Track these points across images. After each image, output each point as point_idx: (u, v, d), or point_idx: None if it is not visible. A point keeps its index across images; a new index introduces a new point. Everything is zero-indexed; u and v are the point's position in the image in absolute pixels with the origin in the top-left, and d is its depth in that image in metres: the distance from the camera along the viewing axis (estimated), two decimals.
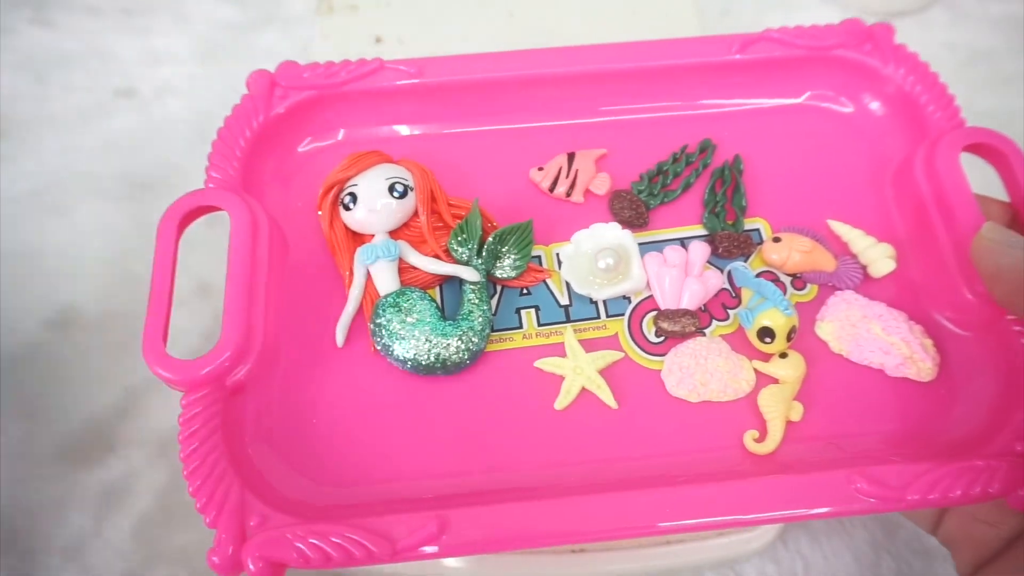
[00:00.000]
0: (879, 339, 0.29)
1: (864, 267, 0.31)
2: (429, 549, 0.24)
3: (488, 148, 0.34)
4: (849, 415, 0.29)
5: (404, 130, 0.34)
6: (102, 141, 0.49)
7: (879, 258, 0.31)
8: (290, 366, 0.29)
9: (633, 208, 0.32)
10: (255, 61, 0.51)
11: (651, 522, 0.25)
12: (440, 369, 0.28)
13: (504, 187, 0.33)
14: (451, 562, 0.34)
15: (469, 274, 0.30)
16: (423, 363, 0.28)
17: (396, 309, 0.29)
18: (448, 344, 0.28)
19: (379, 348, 0.29)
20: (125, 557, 0.38)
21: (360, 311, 0.30)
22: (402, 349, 0.28)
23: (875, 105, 0.34)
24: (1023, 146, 0.30)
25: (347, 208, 0.30)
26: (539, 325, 0.30)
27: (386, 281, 0.29)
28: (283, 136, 0.33)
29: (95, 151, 0.48)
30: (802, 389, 0.29)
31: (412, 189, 0.30)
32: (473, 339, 0.29)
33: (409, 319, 0.28)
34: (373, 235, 0.30)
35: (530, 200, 0.33)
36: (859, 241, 0.31)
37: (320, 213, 0.31)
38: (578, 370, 0.29)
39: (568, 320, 0.30)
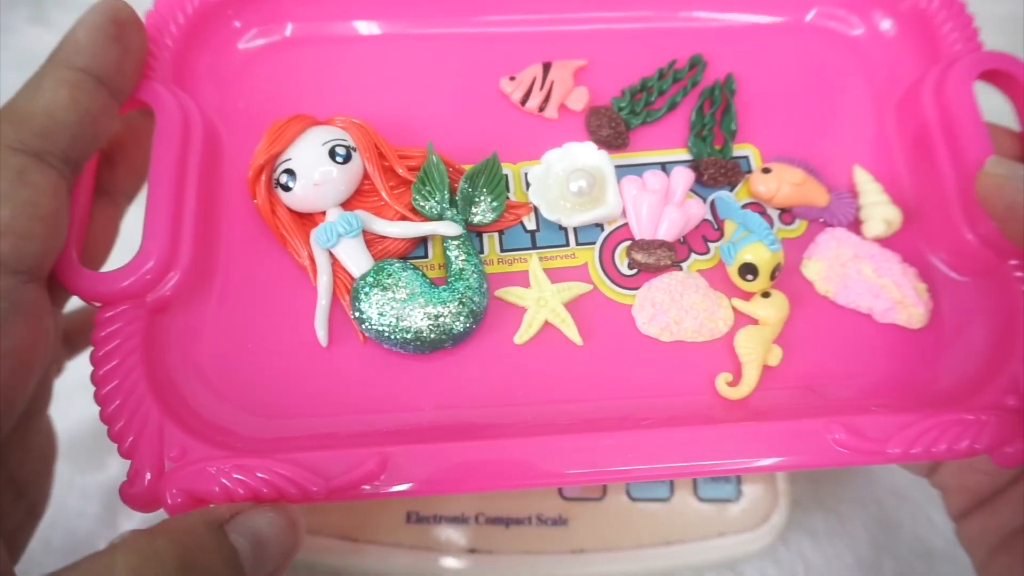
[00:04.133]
0: (869, 281, 0.27)
1: (859, 207, 0.28)
2: (368, 488, 0.22)
3: (452, 56, 0.30)
4: (831, 361, 0.26)
5: (363, 27, 0.30)
6: None
7: (877, 219, 0.28)
8: (227, 284, 0.26)
9: (612, 126, 0.29)
10: None
11: (612, 465, 0.23)
12: (448, 341, 0.25)
13: (468, 101, 0.30)
14: (450, 562, 0.32)
15: (448, 228, 0.26)
16: (428, 339, 0.25)
17: (381, 288, 0.25)
18: (449, 312, 0.25)
19: (371, 336, 0.25)
20: None
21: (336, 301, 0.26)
22: (399, 331, 0.25)
23: (886, 25, 0.30)
24: None
25: (286, 188, 0.26)
26: (502, 251, 0.28)
27: (357, 260, 0.26)
28: (222, 26, 0.29)
29: None
30: (783, 332, 0.27)
31: (355, 149, 0.26)
32: (474, 299, 0.25)
33: (398, 295, 0.25)
34: (324, 212, 0.26)
35: (498, 114, 0.29)
36: (871, 196, 0.28)
37: (256, 202, 0.26)
38: (542, 302, 0.27)
39: (534, 247, 0.28)
